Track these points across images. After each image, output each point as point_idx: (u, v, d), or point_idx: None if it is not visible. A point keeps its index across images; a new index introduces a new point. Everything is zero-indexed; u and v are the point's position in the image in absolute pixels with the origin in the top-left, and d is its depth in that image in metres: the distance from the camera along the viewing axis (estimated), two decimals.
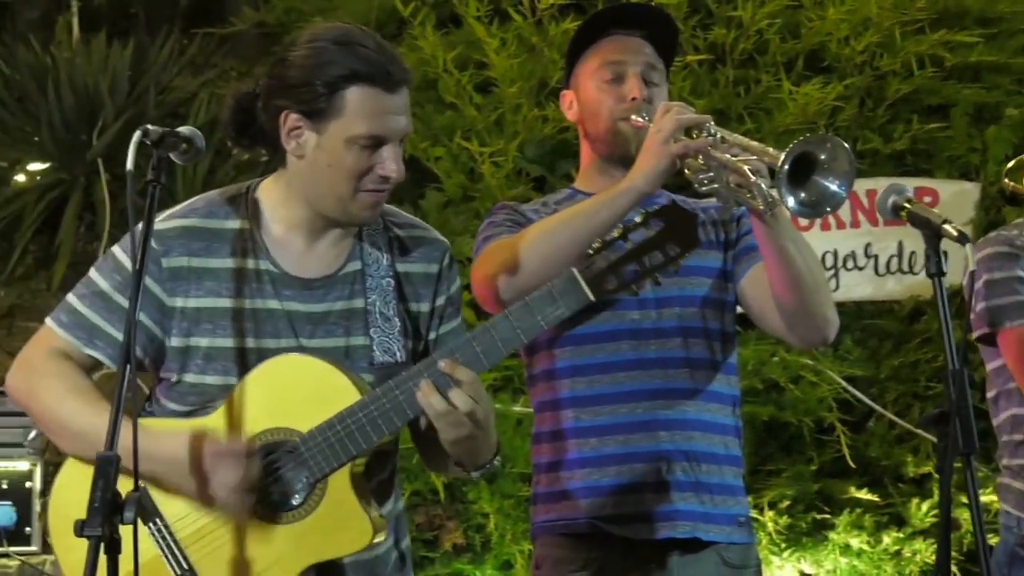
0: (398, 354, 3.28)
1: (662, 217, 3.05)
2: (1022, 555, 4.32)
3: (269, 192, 3.32)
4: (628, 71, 3.85)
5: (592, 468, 3.78)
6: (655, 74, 3.89)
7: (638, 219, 3.05)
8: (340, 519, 3.14)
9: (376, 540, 3.17)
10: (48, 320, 3.30)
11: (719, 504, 3.81)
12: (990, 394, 4.47)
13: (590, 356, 3.81)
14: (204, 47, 7.53)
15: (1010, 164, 5.07)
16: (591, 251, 3.08)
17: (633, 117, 3.79)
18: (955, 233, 3.21)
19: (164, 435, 3.11)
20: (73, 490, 3.13)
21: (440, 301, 3.40)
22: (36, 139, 6.99)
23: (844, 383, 6.37)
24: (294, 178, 3.25)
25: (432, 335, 3.39)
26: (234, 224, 3.29)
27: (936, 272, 3.25)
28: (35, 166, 6.99)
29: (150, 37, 7.43)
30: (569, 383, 3.82)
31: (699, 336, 3.83)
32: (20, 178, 6.96)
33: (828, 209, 3.43)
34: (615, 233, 3.06)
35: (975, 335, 4.38)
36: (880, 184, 6.25)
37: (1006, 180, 5.05)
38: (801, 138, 3.33)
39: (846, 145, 3.35)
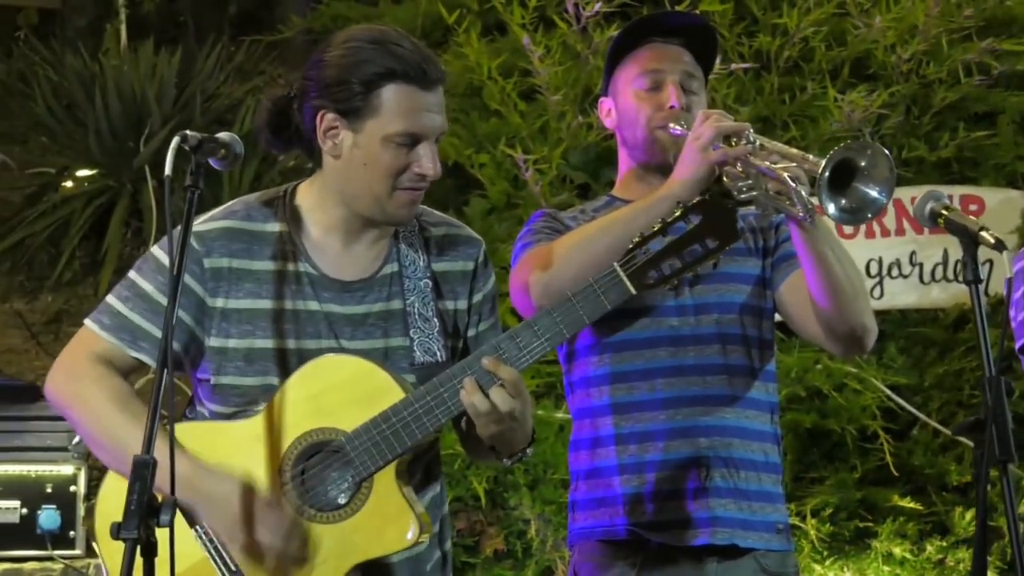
0: (439, 354, 3.29)
1: (700, 211, 3.06)
2: None
3: (306, 195, 3.33)
4: (666, 79, 3.85)
5: (631, 475, 3.77)
6: (694, 82, 3.89)
7: (677, 213, 3.06)
8: (386, 517, 3.14)
9: (422, 538, 3.17)
10: (88, 322, 3.29)
11: (757, 511, 3.79)
12: None
13: (629, 363, 3.80)
14: (251, 54, 7.56)
15: None
16: (631, 245, 3.08)
17: (671, 126, 3.79)
18: (992, 240, 3.19)
19: (214, 475, 3.13)
20: (120, 496, 3.13)
21: (477, 298, 3.40)
22: (84, 146, 7.01)
23: (888, 391, 6.34)
24: (330, 179, 3.26)
25: (472, 332, 3.40)
26: (273, 227, 3.30)
27: (973, 279, 3.24)
28: (82, 173, 7.02)
29: (198, 44, 7.46)
30: (609, 390, 3.82)
31: (737, 343, 3.82)
32: (68, 184, 6.99)
33: (869, 215, 3.43)
34: (655, 227, 3.07)
35: (1018, 345, 4.34)
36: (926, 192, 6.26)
37: None
38: (841, 145, 3.32)
39: (886, 152, 3.36)
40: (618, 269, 3.08)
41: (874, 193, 3.37)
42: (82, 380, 3.25)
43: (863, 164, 3.36)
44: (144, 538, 2.77)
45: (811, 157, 3.38)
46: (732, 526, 3.75)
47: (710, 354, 3.78)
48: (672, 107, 3.80)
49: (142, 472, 2.79)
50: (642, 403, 3.78)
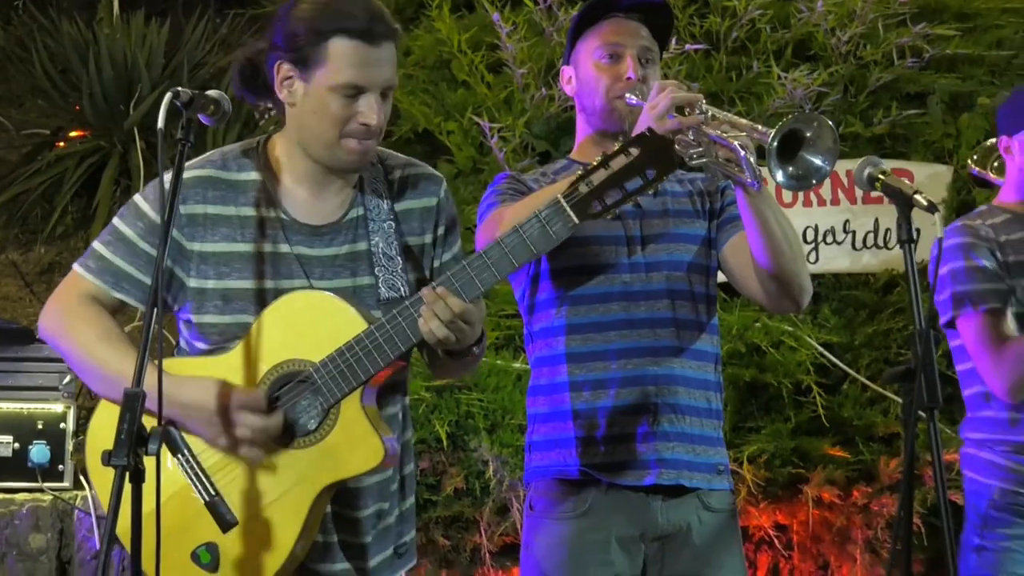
0: (403, 289, 3.32)
1: (639, 144, 3.04)
2: (994, 516, 4.31)
3: (278, 145, 3.37)
4: (625, 52, 3.86)
5: (584, 419, 3.79)
6: (650, 56, 3.91)
7: (616, 147, 3.04)
8: (353, 441, 3.16)
9: (388, 461, 3.20)
10: (76, 266, 3.33)
11: (700, 454, 3.82)
12: (960, 367, 4.45)
13: (584, 316, 3.81)
14: (235, 27, 7.52)
15: (974, 152, 5.08)
16: (574, 178, 3.07)
17: (628, 96, 3.80)
18: (925, 203, 3.21)
19: (188, 381, 3.14)
20: (108, 430, 3.14)
21: (440, 231, 3.44)
22: (77, 109, 6.98)
23: (821, 349, 6.36)
24: (290, 127, 3.31)
25: (437, 263, 3.43)
26: (249, 176, 3.33)
27: (907, 239, 3.25)
28: (75, 134, 6.99)
29: (185, 17, 7.42)
30: (565, 340, 3.83)
31: (685, 298, 3.84)
32: (61, 145, 6.96)
33: (814, 182, 3.44)
34: (595, 161, 3.06)
35: (942, 321, 4.36)
36: None
37: (971, 163, 5.07)
38: (790, 116, 3.33)
39: (831, 124, 3.36)
40: (562, 200, 3.07)
41: (819, 162, 3.37)
42: (71, 316, 3.28)
43: (809, 135, 3.36)
44: (133, 465, 2.78)
45: (760, 127, 3.38)
46: (678, 467, 3.77)
47: (660, 308, 3.80)
48: (629, 78, 3.82)
49: (132, 404, 2.82)
50: (596, 353, 3.79)
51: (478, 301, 3.17)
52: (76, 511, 5.48)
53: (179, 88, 3.08)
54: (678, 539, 3.79)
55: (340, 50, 3.15)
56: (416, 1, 6.82)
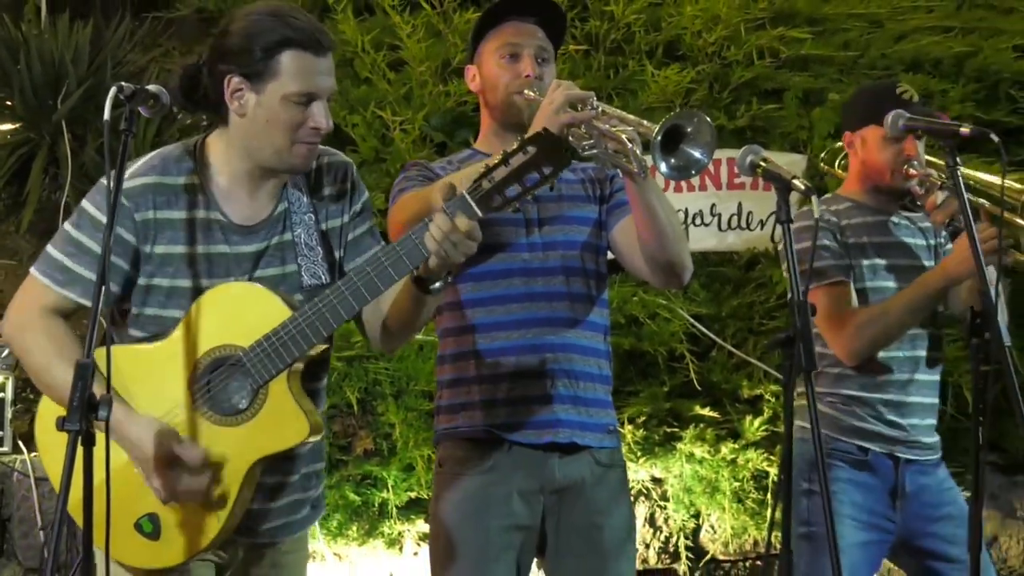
0: (323, 277, 3.32)
1: (535, 143, 3.05)
2: (828, 463, 4.40)
3: (215, 147, 3.32)
4: (523, 52, 3.89)
5: (488, 384, 3.81)
6: (545, 55, 3.93)
7: (515, 146, 3.05)
8: (280, 418, 3.16)
9: (312, 436, 3.20)
10: (37, 274, 3.28)
11: (593, 415, 3.87)
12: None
13: (487, 290, 3.83)
14: (152, 29, 7.42)
15: (824, 153, 5.19)
16: (477, 175, 3.08)
17: (526, 91, 3.83)
18: (803, 187, 3.24)
19: (136, 418, 3.12)
20: (56, 412, 3.12)
21: (355, 208, 3.44)
22: (8, 103, 6.87)
23: (692, 320, 6.43)
24: (236, 135, 3.25)
25: (350, 236, 3.42)
26: (187, 180, 3.28)
27: (785, 219, 3.28)
28: (6, 126, 6.88)
29: (106, 19, 7.31)
30: (470, 313, 3.85)
31: (578, 275, 3.87)
32: None
33: (693, 172, 3.50)
34: (496, 159, 3.06)
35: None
36: (725, 155, 6.41)
37: (822, 164, 5.18)
38: (673, 113, 3.37)
39: (709, 120, 3.42)
40: (466, 195, 3.07)
41: (698, 154, 3.42)
42: (33, 330, 3.25)
43: (690, 130, 3.40)
44: (84, 429, 2.78)
45: (646, 122, 3.42)
46: (572, 427, 3.82)
47: (555, 283, 3.83)
48: (528, 76, 3.85)
49: (83, 373, 2.81)
50: (499, 324, 3.82)
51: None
52: (15, 473, 5.42)
53: (123, 83, 3.05)
54: (573, 491, 3.83)
55: (291, 62, 3.13)
56: (320, 4, 6.77)
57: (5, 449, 5.40)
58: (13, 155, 6.76)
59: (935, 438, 4.43)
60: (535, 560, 3.91)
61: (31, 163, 6.73)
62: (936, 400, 4.46)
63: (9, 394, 5.39)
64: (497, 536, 3.79)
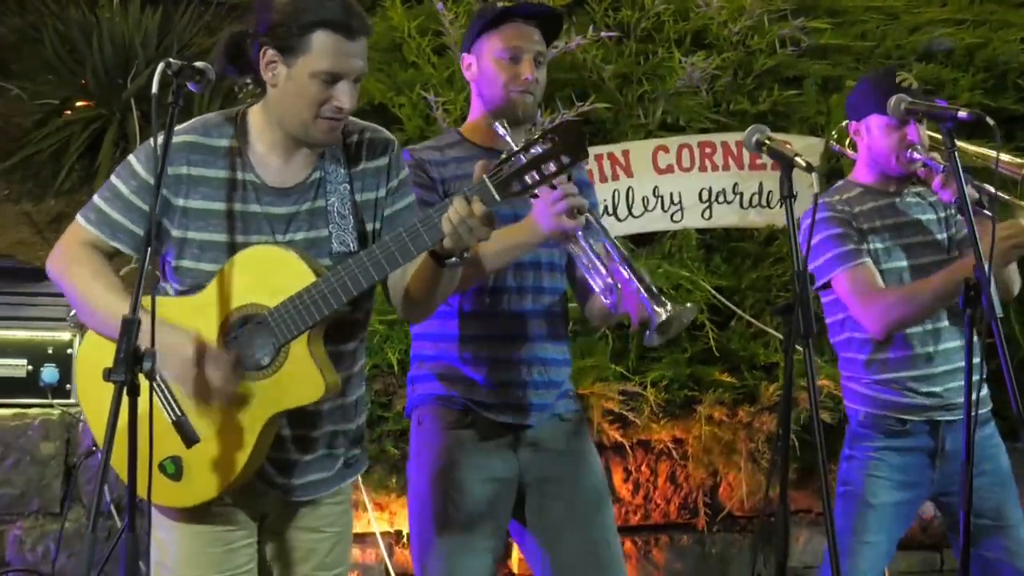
0: (351, 245, 3.30)
1: (556, 133, 3.01)
2: (861, 432, 4.44)
3: (255, 116, 3.33)
4: (523, 55, 3.92)
5: (469, 367, 3.90)
6: (541, 59, 3.97)
7: (537, 135, 3.01)
8: (298, 376, 3.16)
9: (327, 396, 3.20)
10: (79, 217, 3.32)
11: (561, 394, 4.02)
12: (830, 319, 4.54)
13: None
14: (217, 13, 7.44)
15: (835, 132, 5.15)
16: (498, 160, 3.05)
17: (524, 94, 3.93)
18: (804, 164, 3.23)
19: (172, 328, 3.12)
20: (93, 359, 3.20)
21: (392, 184, 3.40)
22: (82, 82, 6.92)
23: (713, 291, 6.42)
24: (271, 104, 3.26)
25: (388, 211, 3.38)
26: (227, 142, 3.29)
27: (788, 195, 3.27)
28: (80, 104, 6.93)
29: (174, 4, 7.34)
30: (460, 299, 3.90)
31: (556, 270, 4.05)
32: (68, 113, 6.89)
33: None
34: (518, 147, 3.03)
35: (817, 284, 4.42)
36: None
37: (833, 142, 5.14)
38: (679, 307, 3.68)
39: (685, 321, 3.70)
40: (487, 180, 3.04)
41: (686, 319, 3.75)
42: (72, 259, 3.28)
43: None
44: (130, 380, 2.79)
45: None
46: (545, 410, 3.95)
47: (540, 279, 3.99)
48: (527, 79, 3.90)
49: (130, 328, 2.81)
50: (481, 312, 3.89)
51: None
52: (81, 423, 5.47)
53: (170, 59, 3.06)
54: (545, 444, 3.94)
55: (322, 42, 3.11)
56: None
57: (72, 401, 5.44)
58: (86, 130, 6.82)
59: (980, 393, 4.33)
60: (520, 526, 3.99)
61: (103, 137, 6.79)
62: (962, 363, 4.35)
63: (76, 350, 5.44)
64: (475, 487, 3.84)
